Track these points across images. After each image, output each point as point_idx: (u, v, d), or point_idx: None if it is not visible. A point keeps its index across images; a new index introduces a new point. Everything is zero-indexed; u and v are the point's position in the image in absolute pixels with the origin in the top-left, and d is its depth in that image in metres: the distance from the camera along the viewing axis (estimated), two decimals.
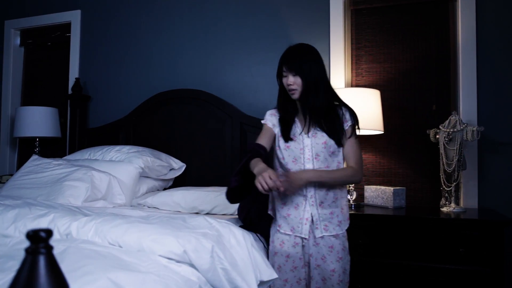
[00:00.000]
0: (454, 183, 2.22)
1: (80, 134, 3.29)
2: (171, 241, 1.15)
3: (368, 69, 2.73)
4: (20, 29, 3.72)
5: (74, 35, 3.48)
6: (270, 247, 1.77)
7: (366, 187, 2.51)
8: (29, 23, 3.64)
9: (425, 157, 2.56)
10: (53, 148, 3.53)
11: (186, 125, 2.98)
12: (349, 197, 2.41)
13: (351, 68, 2.77)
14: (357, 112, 2.27)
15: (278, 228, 1.74)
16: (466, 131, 2.18)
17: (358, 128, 1.79)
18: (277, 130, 1.80)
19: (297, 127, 1.77)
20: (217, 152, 2.88)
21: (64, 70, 3.53)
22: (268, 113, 1.87)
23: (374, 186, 2.45)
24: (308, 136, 1.73)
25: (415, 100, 2.62)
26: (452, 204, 2.24)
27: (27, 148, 3.62)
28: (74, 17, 3.48)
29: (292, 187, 1.54)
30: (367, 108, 2.31)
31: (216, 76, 3.03)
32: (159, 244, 1.14)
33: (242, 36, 2.99)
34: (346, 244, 1.76)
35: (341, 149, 1.74)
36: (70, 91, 3.33)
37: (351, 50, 2.78)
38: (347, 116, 1.78)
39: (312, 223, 1.69)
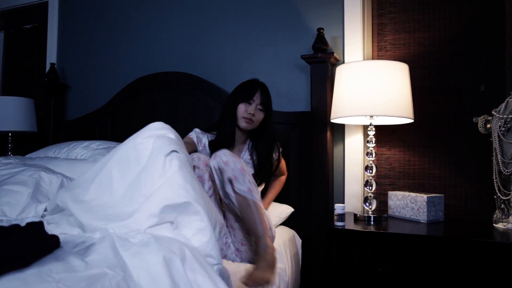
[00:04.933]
0: None
1: (55, 127, 2.85)
2: None
3: (393, 41, 2.13)
4: None
5: (51, 16, 3.05)
6: None
7: (390, 193, 1.91)
8: (6, 4, 3.24)
9: (470, 153, 1.94)
10: (29, 144, 3.10)
11: (170, 115, 2.48)
12: (367, 207, 1.82)
13: (372, 41, 2.17)
14: (378, 93, 1.72)
15: None
16: None
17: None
18: (201, 148, 1.85)
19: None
20: None
21: (43, 56, 3.10)
22: (197, 130, 1.89)
23: (401, 192, 1.86)
24: None
25: (456, 78, 1.99)
26: (511, 219, 1.62)
27: (3, 144, 3.22)
28: None
29: None
30: (391, 88, 1.71)
31: (206, 56, 2.50)
32: None
33: (237, 8, 2.44)
34: None
35: None
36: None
37: (372, 18, 2.18)
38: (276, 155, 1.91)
39: None
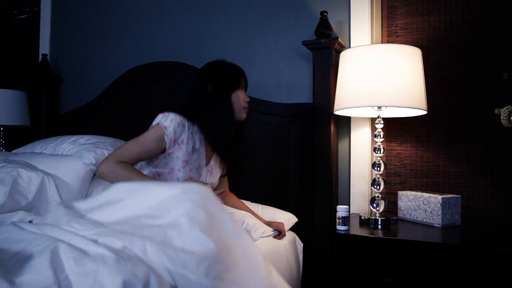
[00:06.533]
0: None
1: (47, 121, 2.72)
2: None
3: (405, 25, 1.93)
4: None
5: (44, 5, 2.91)
6: None
7: (400, 193, 1.73)
8: None
9: (491, 149, 1.75)
10: (22, 140, 2.98)
11: (163, 108, 2.31)
12: (374, 209, 1.64)
13: (381, 25, 1.98)
14: (387, 81, 1.55)
15: None
16: None
17: None
18: (176, 147, 1.49)
19: (202, 155, 1.56)
20: None
21: (37, 47, 2.97)
22: (175, 119, 1.47)
23: (413, 192, 1.67)
24: (206, 170, 1.59)
25: (475, 65, 1.79)
26: None
27: None
28: None
29: None
30: (402, 76, 1.52)
31: (202, 45, 2.33)
32: None
33: None
34: None
35: None
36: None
37: (381, 0, 1.98)
38: None
39: None
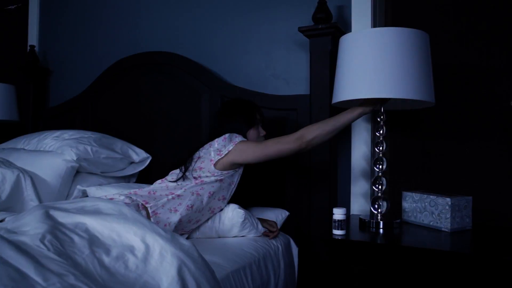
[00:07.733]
0: None
1: (34, 115, 2.61)
2: None
3: (411, 10, 1.78)
4: None
5: None
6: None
7: (405, 193, 1.58)
8: None
9: (506, 145, 1.61)
10: (11, 135, 2.87)
11: (152, 101, 2.21)
12: (375, 210, 1.49)
13: (385, 9, 1.83)
14: (391, 70, 1.43)
15: None
16: None
17: None
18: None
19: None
20: (191, 137, 2.07)
21: (26, 38, 2.86)
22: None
23: (419, 193, 1.52)
24: None
25: (488, 53, 1.64)
26: None
27: None
28: None
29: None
30: (407, 64, 1.37)
31: (193, 34, 2.20)
32: None
33: None
34: None
35: None
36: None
37: None
38: None
39: None
